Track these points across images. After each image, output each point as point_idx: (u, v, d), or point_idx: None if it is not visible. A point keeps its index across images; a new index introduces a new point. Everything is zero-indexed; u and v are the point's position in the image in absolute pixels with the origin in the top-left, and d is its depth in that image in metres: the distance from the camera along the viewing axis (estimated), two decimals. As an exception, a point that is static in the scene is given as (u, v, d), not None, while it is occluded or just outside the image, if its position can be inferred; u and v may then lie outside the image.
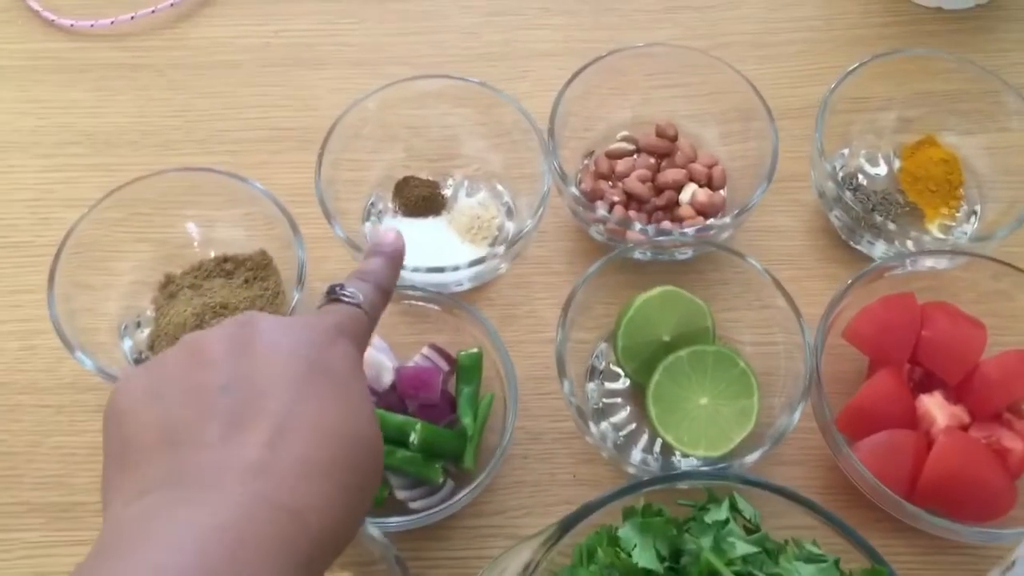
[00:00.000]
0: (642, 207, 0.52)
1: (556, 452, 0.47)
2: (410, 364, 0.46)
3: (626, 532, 0.35)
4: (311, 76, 0.60)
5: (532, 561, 0.33)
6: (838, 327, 0.46)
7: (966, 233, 0.53)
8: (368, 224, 0.53)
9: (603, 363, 0.49)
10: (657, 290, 0.45)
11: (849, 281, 0.45)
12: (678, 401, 0.43)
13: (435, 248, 0.51)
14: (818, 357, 0.43)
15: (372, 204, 0.53)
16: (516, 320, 0.51)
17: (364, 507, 0.29)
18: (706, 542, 0.35)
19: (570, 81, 0.51)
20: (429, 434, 0.42)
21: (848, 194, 0.50)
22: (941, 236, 0.52)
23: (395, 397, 0.45)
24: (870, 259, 0.52)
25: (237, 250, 0.51)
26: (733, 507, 0.36)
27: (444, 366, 0.46)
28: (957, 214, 0.54)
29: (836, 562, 0.35)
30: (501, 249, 0.48)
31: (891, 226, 0.49)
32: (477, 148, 0.54)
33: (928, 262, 0.47)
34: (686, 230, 0.49)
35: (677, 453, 0.45)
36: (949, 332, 0.45)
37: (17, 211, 0.54)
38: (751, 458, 0.41)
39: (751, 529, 0.37)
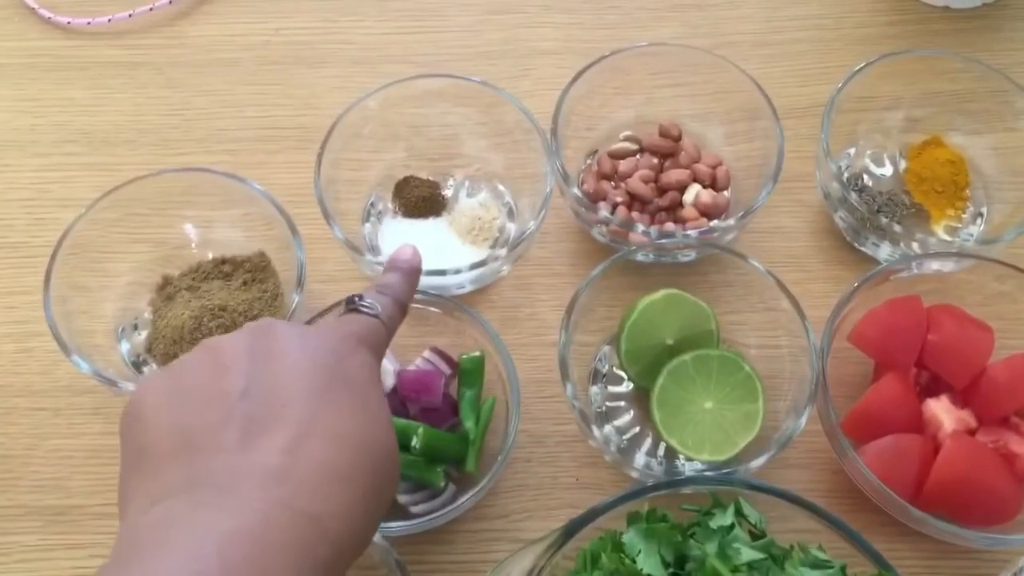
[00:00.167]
0: (645, 208, 0.52)
1: (559, 456, 0.46)
2: (411, 367, 0.46)
3: (630, 538, 0.35)
4: (310, 75, 0.59)
5: (536, 566, 0.33)
6: (844, 330, 0.45)
7: (972, 235, 0.52)
8: (368, 225, 0.52)
9: (606, 366, 0.48)
10: (661, 293, 0.45)
11: (855, 284, 0.45)
12: (683, 405, 0.43)
13: (436, 249, 0.50)
14: (824, 360, 0.43)
15: (372, 204, 0.53)
16: (518, 323, 0.50)
17: (381, 513, 0.29)
18: (711, 548, 0.35)
19: (574, 80, 0.51)
20: (431, 438, 0.42)
21: (853, 195, 0.50)
22: (947, 238, 0.52)
23: (396, 401, 0.44)
24: (875, 261, 0.51)
25: (235, 251, 0.50)
26: (738, 512, 0.36)
27: (446, 369, 0.46)
28: (963, 215, 0.53)
29: (842, 568, 0.35)
30: (503, 251, 0.47)
31: (897, 228, 0.48)
32: (478, 148, 0.53)
33: (934, 265, 0.47)
34: (689, 232, 0.48)
35: (681, 457, 0.44)
36: (956, 335, 0.45)
37: (13, 211, 0.54)
38: (756, 463, 0.41)
39: (756, 534, 0.36)
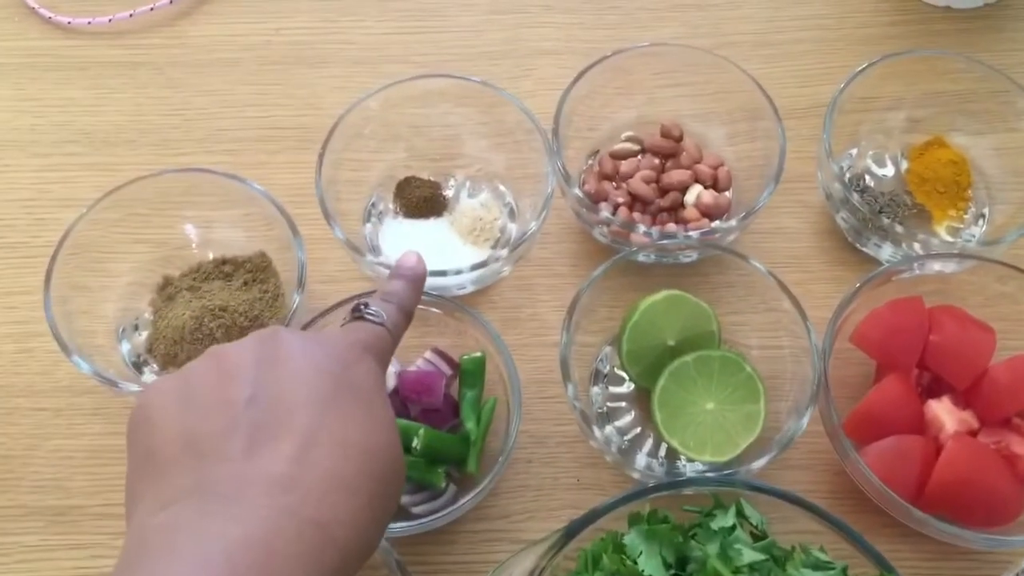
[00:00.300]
0: (646, 208, 0.52)
1: (560, 456, 0.46)
2: (412, 368, 0.46)
3: (632, 539, 0.35)
4: (311, 75, 0.59)
5: (537, 567, 0.33)
6: (845, 331, 0.45)
7: (974, 236, 0.52)
8: (368, 225, 0.52)
9: (607, 367, 0.48)
10: (662, 294, 0.45)
11: (857, 285, 0.45)
12: (684, 406, 0.43)
13: (437, 250, 0.50)
14: (826, 361, 0.43)
15: (373, 205, 0.53)
16: (519, 323, 0.50)
17: (387, 520, 0.30)
18: (712, 549, 0.35)
19: (575, 81, 0.50)
20: (432, 439, 0.42)
21: (855, 195, 0.50)
22: (949, 238, 0.52)
23: (398, 402, 0.44)
24: (877, 262, 0.51)
25: (236, 251, 0.50)
26: (740, 513, 0.36)
27: (447, 370, 0.45)
28: (965, 216, 0.53)
29: (844, 569, 0.35)
30: (504, 252, 0.47)
31: (898, 228, 0.48)
32: (479, 148, 0.53)
33: (936, 265, 0.47)
34: (691, 233, 0.48)
35: (682, 458, 0.44)
36: (957, 336, 0.44)
37: (13, 211, 0.54)
38: (758, 464, 0.41)
39: (758, 535, 0.36)
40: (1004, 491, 0.41)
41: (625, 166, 0.53)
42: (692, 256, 0.48)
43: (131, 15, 0.60)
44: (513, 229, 0.52)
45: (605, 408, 0.47)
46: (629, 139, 0.54)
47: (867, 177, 0.54)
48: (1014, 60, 0.59)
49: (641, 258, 0.47)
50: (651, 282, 0.46)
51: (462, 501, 0.41)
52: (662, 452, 0.46)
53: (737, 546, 0.35)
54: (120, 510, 0.44)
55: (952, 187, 0.53)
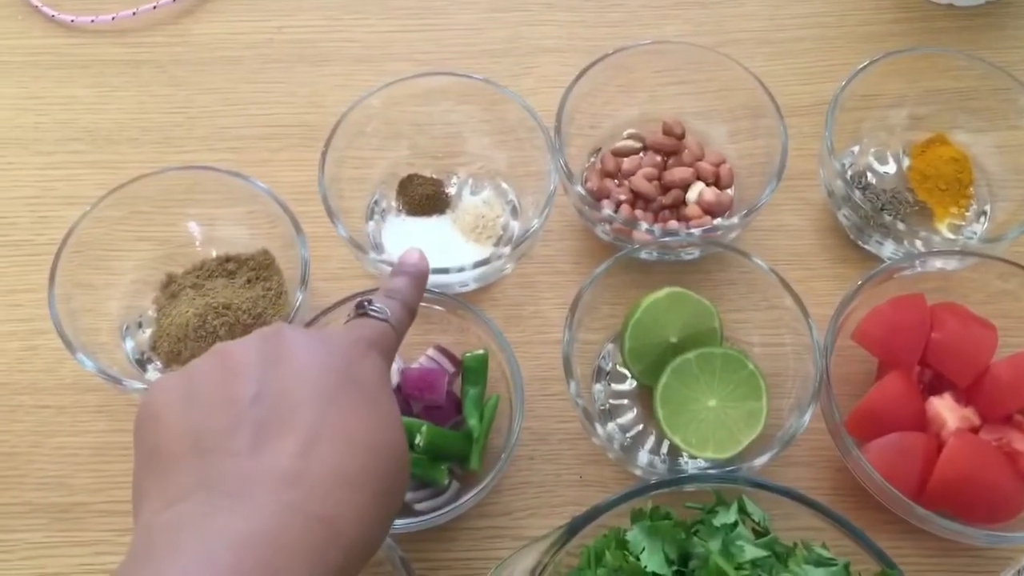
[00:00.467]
0: (648, 206, 0.52)
1: (562, 453, 0.46)
2: (415, 365, 0.46)
3: (634, 535, 0.35)
4: (314, 73, 0.59)
5: (539, 564, 0.33)
6: (847, 328, 0.45)
7: (976, 233, 0.52)
8: (371, 223, 0.52)
9: (610, 364, 0.48)
10: (664, 291, 0.45)
11: (859, 282, 0.45)
12: (686, 403, 0.43)
13: (439, 247, 0.50)
14: (827, 358, 0.43)
15: (375, 202, 0.53)
16: (522, 321, 0.50)
17: (392, 516, 0.30)
18: (715, 545, 0.35)
19: (577, 78, 0.51)
20: (435, 436, 0.42)
21: (857, 193, 0.50)
22: (951, 236, 0.52)
23: (400, 399, 0.44)
24: (879, 259, 0.51)
25: (239, 249, 0.50)
26: (742, 510, 0.36)
27: (449, 367, 0.46)
28: (967, 213, 0.53)
29: (846, 566, 0.35)
30: (507, 249, 0.47)
31: (900, 226, 0.48)
32: (482, 146, 0.53)
33: (938, 263, 0.47)
34: (693, 230, 0.48)
35: (684, 455, 0.44)
36: (959, 334, 0.45)
37: (17, 209, 0.54)
38: (760, 461, 0.41)
39: (760, 532, 0.36)
40: (1006, 488, 0.42)
41: (627, 164, 0.53)
42: (694, 253, 0.48)
43: (134, 13, 0.60)
44: (515, 227, 0.52)
45: (607, 405, 0.48)
46: (631, 137, 0.54)
47: (869, 174, 0.54)
48: (1016, 57, 0.59)
49: (643, 255, 0.47)
50: (653, 279, 0.46)
51: (465, 498, 0.41)
52: (664, 449, 0.46)
53: (739, 543, 0.35)
54: (124, 507, 0.44)
55: (954, 184, 0.53)
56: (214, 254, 0.50)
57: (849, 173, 0.54)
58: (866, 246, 0.52)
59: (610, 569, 0.34)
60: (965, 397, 0.45)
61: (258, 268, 0.49)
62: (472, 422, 0.44)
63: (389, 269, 0.44)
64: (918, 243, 0.49)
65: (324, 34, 0.61)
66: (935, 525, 0.40)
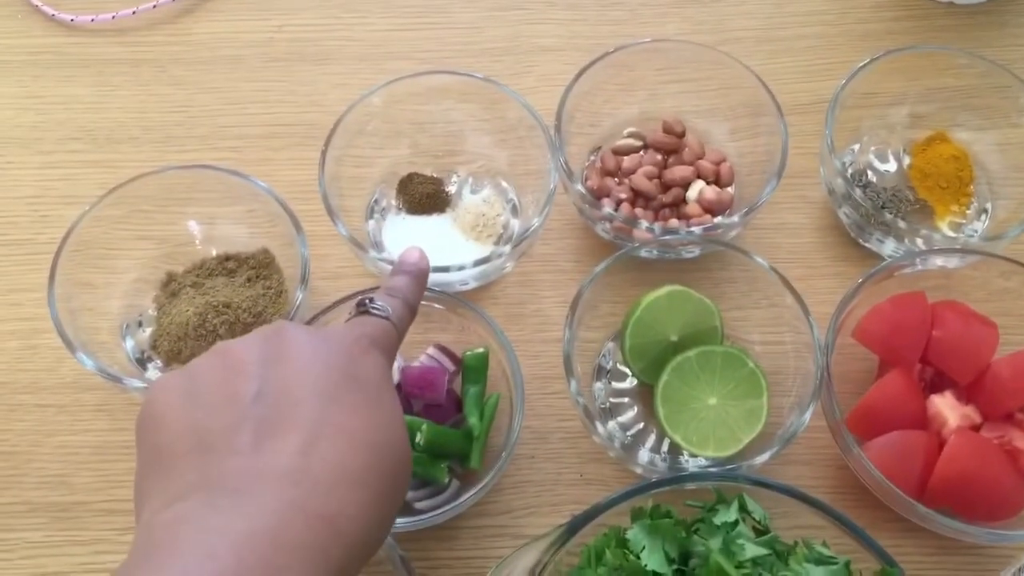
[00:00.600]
0: (649, 204, 0.52)
1: (563, 452, 0.46)
2: (415, 364, 0.46)
3: (635, 534, 0.35)
4: (314, 71, 0.59)
5: (539, 562, 0.33)
6: (848, 326, 0.45)
7: (976, 231, 0.52)
8: (372, 221, 0.52)
9: (610, 362, 0.48)
10: (665, 289, 0.45)
11: (860, 280, 0.45)
12: (687, 401, 0.43)
13: (440, 246, 0.50)
14: (828, 357, 0.43)
15: (376, 201, 0.53)
16: (522, 319, 0.50)
17: (394, 514, 0.30)
18: (715, 544, 0.35)
19: (577, 77, 0.51)
20: (435, 434, 0.42)
21: (857, 191, 0.50)
22: (951, 234, 0.52)
23: (401, 397, 0.44)
24: (879, 257, 0.51)
25: (239, 248, 0.50)
26: (742, 508, 0.36)
27: (450, 366, 0.46)
28: (968, 211, 0.53)
29: (846, 564, 0.35)
30: (507, 248, 0.47)
31: (901, 224, 0.48)
32: (482, 144, 0.53)
33: (938, 261, 0.47)
34: (693, 229, 0.48)
35: (685, 453, 0.44)
36: (960, 332, 0.44)
37: (17, 208, 0.54)
38: (760, 459, 0.41)
39: (760, 530, 0.36)
40: (1007, 486, 0.42)
41: (627, 162, 0.53)
42: (694, 252, 0.48)
43: (134, 12, 0.60)
44: (516, 225, 0.52)
45: (608, 404, 0.48)
46: (631, 135, 0.54)
47: (869, 173, 0.54)
48: (1017, 55, 0.59)
49: (643, 254, 0.47)
50: (653, 278, 0.46)
51: (465, 496, 0.41)
52: (665, 447, 0.46)
53: (740, 541, 0.35)
54: (124, 506, 0.44)
55: (954, 182, 0.53)
56: (214, 253, 0.50)
57: (850, 171, 0.54)
58: (867, 244, 0.52)
59: (610, 568, 0.34)
60: (966, 395, 0.45)
61: (258, 267, 0.49)
62: (472, 420, 0.44)
63: (389, 268, 0.44)
64: (919, 241, 0.49)
65: (324, 33, 0.61)
66: (936, 523, 0.40)
